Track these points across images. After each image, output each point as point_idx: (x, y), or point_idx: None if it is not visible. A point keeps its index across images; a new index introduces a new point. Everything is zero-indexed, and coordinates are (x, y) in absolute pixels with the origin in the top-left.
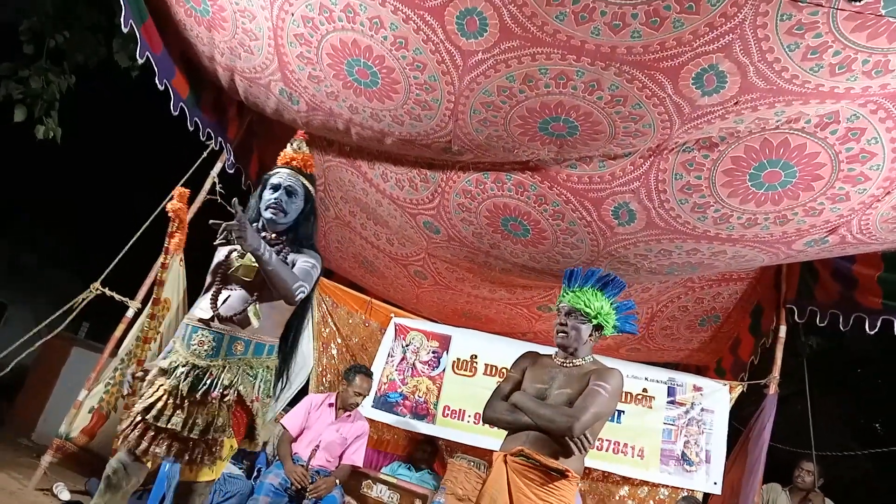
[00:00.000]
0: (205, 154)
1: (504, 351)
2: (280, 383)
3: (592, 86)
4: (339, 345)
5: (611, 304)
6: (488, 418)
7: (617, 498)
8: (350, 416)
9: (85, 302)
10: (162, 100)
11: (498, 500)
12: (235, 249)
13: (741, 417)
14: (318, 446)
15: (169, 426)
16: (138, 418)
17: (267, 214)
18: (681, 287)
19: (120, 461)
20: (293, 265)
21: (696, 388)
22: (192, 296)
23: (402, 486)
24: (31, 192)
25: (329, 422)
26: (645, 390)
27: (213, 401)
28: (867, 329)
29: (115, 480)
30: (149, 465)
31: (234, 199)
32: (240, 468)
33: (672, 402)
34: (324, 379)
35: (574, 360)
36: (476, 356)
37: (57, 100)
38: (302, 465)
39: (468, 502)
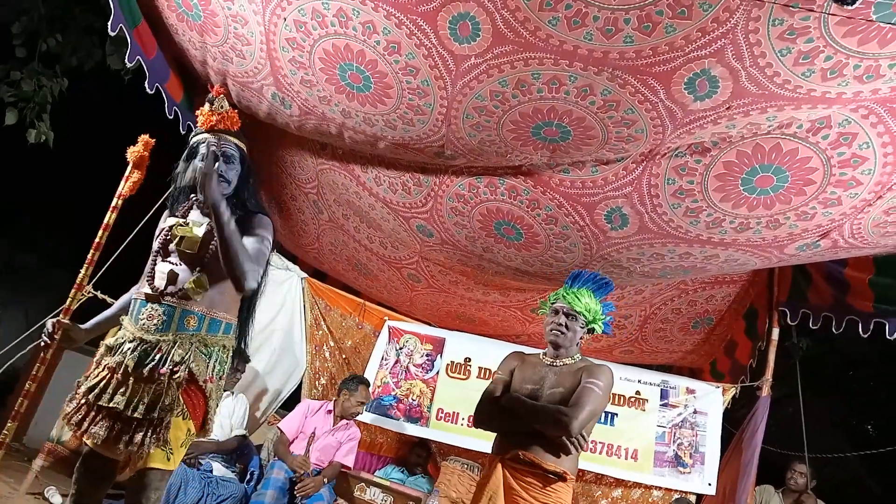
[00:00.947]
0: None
1: (498, 354)
2: (233, 363)
3: (585, 91)
4: (331, 347)
5: (598, 302)
6: (480, 422)
7: (610, 500)
8: (347, 423)
9: (77, 304)
10: (155, 103)
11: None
12: (179, 221)
13: (734, 419)
14: (312, 436)
15: (111, 405)
16: (82, 401)
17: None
18: (674, 290)
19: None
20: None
21: (690, 391)
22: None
23: (395, 489)
24: (27, 195)
25: (326, 430)
26: (638, 393)
27: (162, 377)
28: (860, 332)
29: (79, 479)
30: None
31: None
32: (233, 471)
33: (665, 405)
34: (317, 382)
35: (564, 359)
36: (470, 359)
37: (49, 103)
38: (301, 455)
39: None
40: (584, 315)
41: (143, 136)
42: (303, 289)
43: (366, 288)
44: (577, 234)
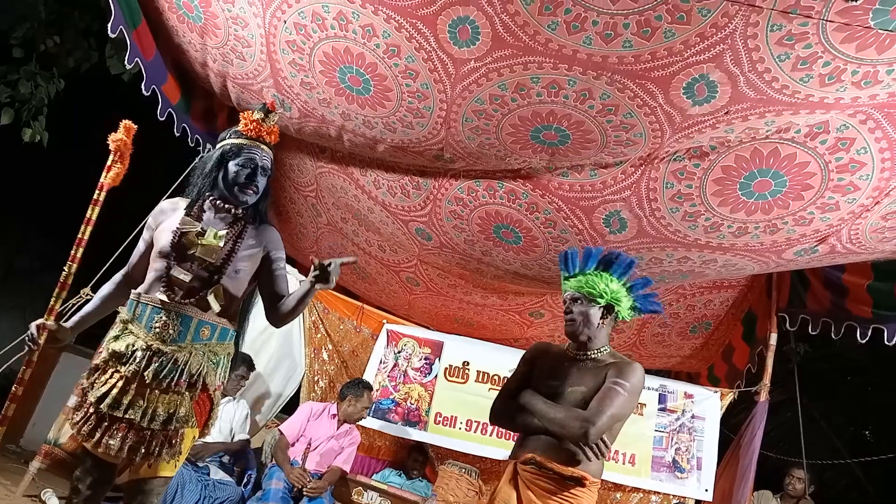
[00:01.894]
0: (197, 159)
1: (496, 358)
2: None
3: (584, 95)
4: (330, 351)
5: (621, 283)
6: (495, 420)
7: None
8: (349, 428)
9: (75, 307)
10: (153, 105)
11: None
12: (197, 227)
13: (732, 424)
14: (309, 446)
15: (127, 416)
16: (91, 409)
17: (243, 197)
18: (672, 294)
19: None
20: (273, 267)
21: (687, 395)
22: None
23: (393, 492)
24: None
25: (329, 434)
26: None
27: (179, 389)
28: (858, 338)
29: (78, 484)
30: (115, 459)
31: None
32: (230, 474)
33: (663, 409)
34: (316, 386)
35: (589, 353)
36: (468, 363)
37: (45, 104)
38: (299, 467)
39: None
40: (589, 293)
41: (124, 121)
42: None
43: (364, 291)
44: (576, 237)
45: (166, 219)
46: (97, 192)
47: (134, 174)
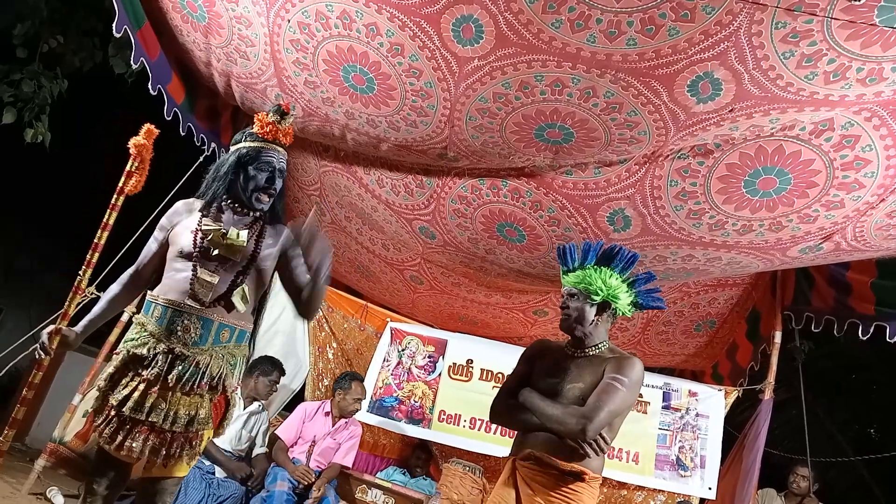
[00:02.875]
0: (201, 159)
1: (500, 356)
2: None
3: (588, 93)
4: (334, 349)
5: (622, 278)
6: (494, 418)
7: (613, 503)
8: (346, 422)
9: (79, 306)
10: (157, 105)
11: None
12: (219, 227)
13: (736, 423)
14: (312, 448)
15: (149, 419)
16: (112, 412)
17: (258, 204)
18: (676, 292)
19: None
20: (294, 264)
21: (692, 394)
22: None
23: (397, 490)
24: (26, 197)
25: (325, 432)
26: (640, 395)
27: (200, 392)
28: (860, 335)
29: (94, 485)
30: (129, 459)
31: None
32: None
33: (667, 408)
34: (320, 384)
35: (587, 350)
36: (472, 361)
37: (48, 104)
38: (303, 465)
39: None
40: (585, 289)
41: (146, 124)
42: None
43: (368, 290)
44: (580, 235)
45: (182, 219)
46: (115, 196)
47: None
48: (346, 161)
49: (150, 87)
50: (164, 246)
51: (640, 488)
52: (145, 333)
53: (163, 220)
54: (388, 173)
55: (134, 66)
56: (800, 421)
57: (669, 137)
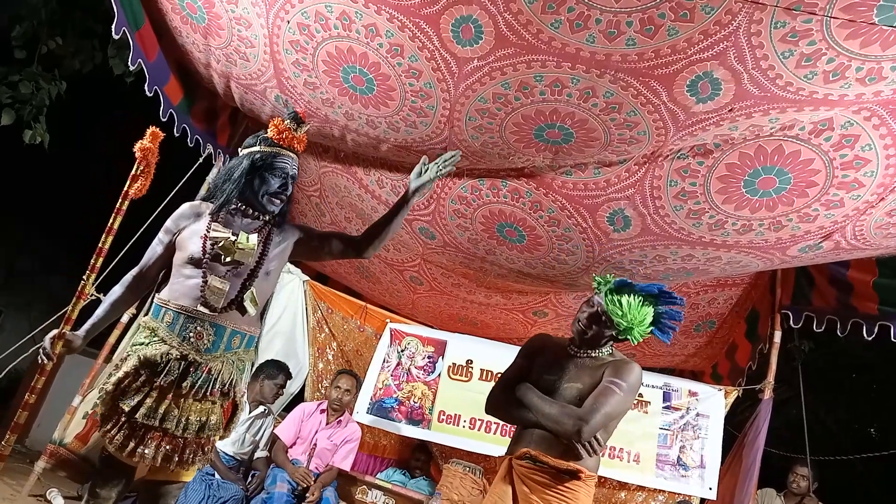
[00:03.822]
0: (200, 160)
1: (499, 356)
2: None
3: (587, 93)
4: (334, 350)
5: (654, 314)
6: (490, 409)
7: (613, 503)
8: (341, 421)
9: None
10: (156, 106)
11: None
12: (229, 233)
13: (736, 422)
14: (313, 451)
15: (163, 426)
16: (124, 419)
17: (270, 206)
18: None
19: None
20: (316, 235)
21: (692, 393)
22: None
23: (396, 491)
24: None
25: (321, 428)
26: (640, 395)
27: (213, 398)
28: (865, 335)
29: (98, 489)
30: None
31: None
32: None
33: (667, 407)
34: (320, 385)
35: (589, 351)
36: (471, 361)
37: (46, 105)
38: (303, 467)
39: None
40: (617, 323)
41: (151, 127)
42: (305, 292)
43: (368, 290)
44: (580, 236)
45: (190, 223)
46: (120, 200)
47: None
48: (345, 162)
49: (146, 88)
50: (171, 249)
51: (641, 488)
52: (156, 339)
53: (168, 223)
54: (388, 174)
55: (131, 68)
56: (800, 420)
57: (669, 137)
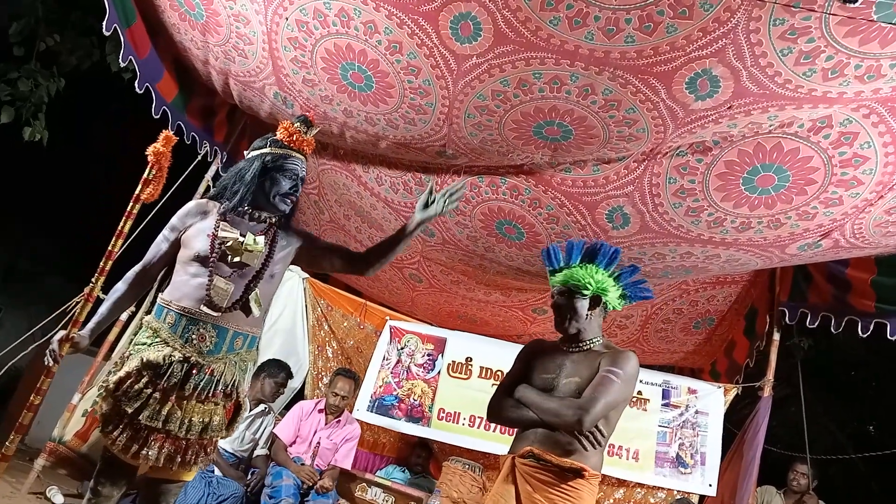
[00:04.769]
0: (199, 157)
1: (499, 353)
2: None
3: (586, 90)
4: (334, 348)
5: (608, 273)
6: (492, 417)
7: (613, 500)
8: (339, 420)
9: (79, 306)
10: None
11: None
12: (236, 235)
13: (736, 420)
14: (317, 450)
15: (166, 428)
16: (126, 421)
17: (282, 206)
18: (675, 290)
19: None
20: (320, 246)
21: (691, 391)
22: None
23: (396, 489)
24: (26, 196)
25: (320, 428)
26: (640, 393)
27: (216, 400)
28: (860, 332)
29: (99, 487)
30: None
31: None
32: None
33: (667, 405)
34: (320, 383)
35: (581, 344)
36: (471, 359)
37: (45, 103)
38: (308, 466)
39: None
40: (575, 285)
41: (164, 131)
42: (304, 289)
43: (367, 288)
44: (579, 233)
45: (196, 222)
46: (131, 204)
47: (136, 174)
48: (344, 159)
49: (136, 84)
50: (176, 247)
51: (640, 486)
52: (159, 340)
53: (174, 220)
54: (387, 171)
55: (122, 64)
56: (799, 418)
57: (668, 135)
